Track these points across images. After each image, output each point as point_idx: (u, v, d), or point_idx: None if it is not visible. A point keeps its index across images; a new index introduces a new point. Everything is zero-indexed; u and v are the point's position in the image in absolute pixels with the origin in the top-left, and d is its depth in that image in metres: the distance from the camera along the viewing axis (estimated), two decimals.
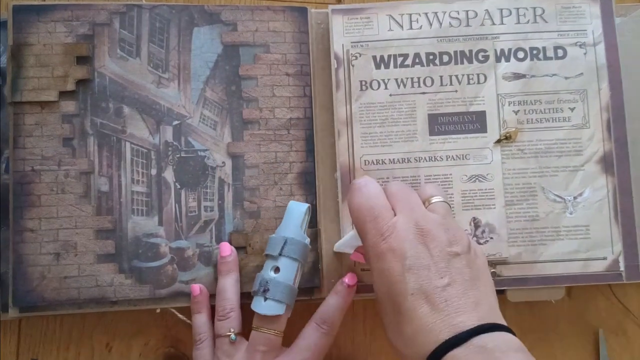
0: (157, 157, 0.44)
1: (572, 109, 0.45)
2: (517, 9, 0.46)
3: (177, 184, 0.44)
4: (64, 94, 0.43)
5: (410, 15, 0.46)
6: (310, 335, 0.40)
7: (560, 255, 0.44)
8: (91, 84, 0.43)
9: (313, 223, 0.44)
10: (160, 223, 0.43)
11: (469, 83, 0.45)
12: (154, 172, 0.44)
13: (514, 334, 0.31)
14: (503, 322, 0.32)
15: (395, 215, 0.34)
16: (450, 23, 0.46)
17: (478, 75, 0.46)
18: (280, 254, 0.39)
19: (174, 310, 0.43)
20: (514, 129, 0.45)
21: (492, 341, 0.30)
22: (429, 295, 0.31)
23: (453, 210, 0.44)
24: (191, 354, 0.44)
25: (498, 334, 0.30)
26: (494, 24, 0.46)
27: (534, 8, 0.46)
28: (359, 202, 0.35)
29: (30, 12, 0.43)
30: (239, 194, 0.44)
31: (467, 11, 0.46)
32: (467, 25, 0.46)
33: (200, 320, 0.42)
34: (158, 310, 0.43)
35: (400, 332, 0.32)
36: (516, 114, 0.45)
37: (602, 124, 0.45)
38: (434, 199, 0.36)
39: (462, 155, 0.45)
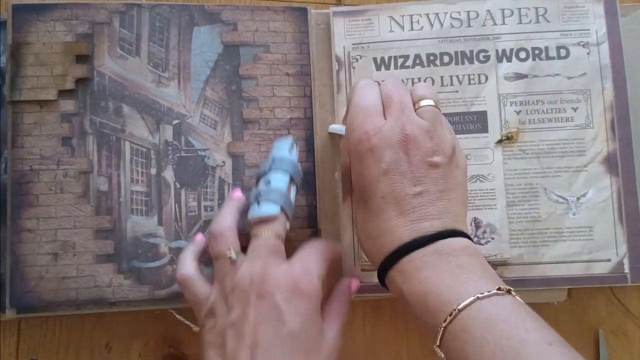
0: (156, 157, 0.40)
1: (575, 109, 0.41)
2: (519, 9, 0.42)
3: (177, 183, 0.40)
4: (63, 93, 0.39)
5: (412, 16, 0.43)
6: (315, 243, 0.35)
7: (563, 256, 0.40)
8: (91, 83, 0.40)
9: (313, 223, 0.41)
10: (160, 223, 0.40)
11: (469, 83, 0.42)
12: (153, 171, 0.40)
13: (473, 241, 0.31)
14: (465, 231, 0.31)
15: (385, 118, 0.32)
16: (451, 24, 0.42)
17: (479, 75, 0.42)
18: (270, 169, 0.35)
19: (173, 312, 0.39)
20: (515, 129, 0.41)
21: (449, 245, 0.30)
22: (399, 201, 0.30)
23: None
24: (191, 354, 0.40)
25: (456, 239, 0.30)
26: (495, 24, 0.42)
27: (537, 8, 0.42)
28: (356, 100, 0.33)
29: (30, 11, 0.39)
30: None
31: (468, 12, 0.42)
32: (469, 25, 0.42)
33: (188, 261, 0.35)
34: (158, 311, 0.39)
35: (367, 231, 0.32)
36: (518, 114, 0.41)
37: (606, 124, 0.41)
38: (424, 102, 0.33)
39: None
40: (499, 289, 0.27)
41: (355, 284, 0.38)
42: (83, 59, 0.40)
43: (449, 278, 0.28)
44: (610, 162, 0.41)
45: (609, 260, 0.40)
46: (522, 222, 0.41)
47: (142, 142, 0.40)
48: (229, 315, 0.31)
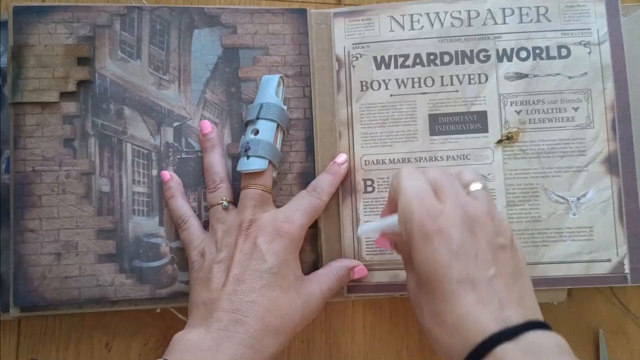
0: (157, 158, 0.40)
1: (575, 109, 0.40)
2: (520, 8, 0.41)
3: None
4: (64, 95, 0.39)
5: (412, 15, 0.42)
6: (301, 198, 0.38)
7: (563, 257, 0.40)
8: (92, 85, 0.40)
9: (313, 223, 0.40)
10: (161, 223, 0.39)
11: (469, 83, 0.41)
12: (154, 172, 0.40)
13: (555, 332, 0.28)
14: (543, 320, 0.29)
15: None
16: (451, 23, 0.42)
17: (479, 75, 0.41)
18: (257, 118, 0.37)
19: (173, 310, 0.39)
20: (515, 129, 0.40)
21: (541, 341, 0.27)
22: (476, 285, 0.28)
23: None
24: None
25: (546, 333, 0.27)
26: (496, 23, 0.41)
27: (537, 7, 0.41)
28: (406, 185, 0.30)
29: (31, 13, 0.39)
30: (239, 194, 0.40)
31: (468, 11, 0.42)
32: (469, 25, 0.41)
33: (178, 202, 0.39)
34: (158, 310, 0.39)
35: (441, 321, 0.29)
36: (518, 114, 0.41)
37: (607, 124, 0.40)
38: (474, 186, 0.31)
39: (463, 155, 0.40)
40: None
41: (359, 271, 0.39)
42: (84, 61, 0.39)
43: None
44: (611, 162, 0.40)
45: (609, 260, 0.39)
46: (522, 222, 0.40)
47: (143, 144, 0.40)
48: (217, 256, 0.35)
